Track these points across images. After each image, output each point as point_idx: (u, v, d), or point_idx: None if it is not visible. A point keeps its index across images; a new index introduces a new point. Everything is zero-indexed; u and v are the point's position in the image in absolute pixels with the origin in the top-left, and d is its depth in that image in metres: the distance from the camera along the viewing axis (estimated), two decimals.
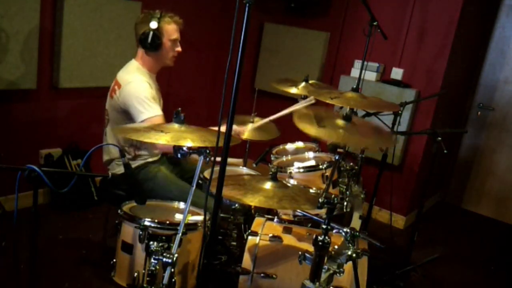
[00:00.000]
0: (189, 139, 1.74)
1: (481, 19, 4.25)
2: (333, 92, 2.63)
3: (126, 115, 2.42)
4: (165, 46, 2.50)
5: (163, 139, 1.74)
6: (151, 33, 2.42)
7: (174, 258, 1.68)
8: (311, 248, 1.62)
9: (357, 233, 1.75)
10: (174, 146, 1.75)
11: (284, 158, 2.70)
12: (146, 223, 1.92)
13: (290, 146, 3.00)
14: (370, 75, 3.80)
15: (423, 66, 3.74)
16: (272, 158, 2.76)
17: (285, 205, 1.86)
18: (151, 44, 2.44)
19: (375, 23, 3.09)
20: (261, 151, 2.90)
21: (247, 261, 2.08)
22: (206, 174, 2.60)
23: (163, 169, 2.61)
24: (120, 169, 2.51)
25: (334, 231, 1.82)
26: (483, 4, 4.13)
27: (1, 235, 2.62)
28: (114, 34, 3.40)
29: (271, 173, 1.98)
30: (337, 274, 1.67)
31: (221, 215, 2.42)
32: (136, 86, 2.40)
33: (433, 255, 3.44)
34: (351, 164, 2.80)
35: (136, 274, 1.92)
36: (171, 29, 2.50)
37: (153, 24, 2.41)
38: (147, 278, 1.73)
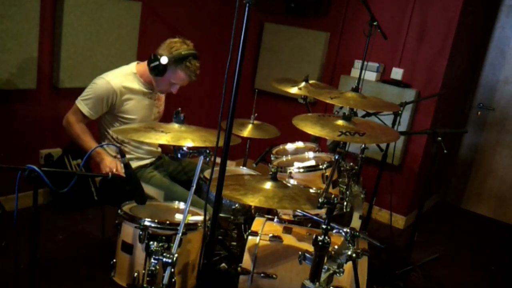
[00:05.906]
0: (189, 139, 1.74)
1: (481, 19, 4.25)
2: (333, 92, 2.64)
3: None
4: (162, 80, 2.45)
5: (163, 139, 1.74)
6: (158, 63, 2.35)
7: (174, 258, 1.68)
8: (311, 248, 1.62)
9: (357, 233, 1.75)
10: (174, 147, 1.75)
11: (284, 158, 2.70)
12: (146, 223, 1.91)
13: (290, 146, 2.99)
14: (370, 75, 3.80)
15: (423, 66, 3.74)
16: (272, 158, 2.76)
17: (285, 205, 1.86)
18: (152, 69, 2.40)
19: (375, 23, 3.09)
20: (261, 151, 2.90)
21: (247, 261, 2.08)
22: (206, 174, 2.60)
23: (157, 174, 2.60)
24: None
25: (334, 231, 1.82)
26: (483, 4, 4.13)
27: (1, 235, 2.62)
28: (114, 34, 3.40)
29: (271, 173, 1.98)
30: (337, 274, 1.67)
31: (221, 215, 2.41)
32: (100, 81, 2.43)
33: (433, 255, 3.44)
34: (351, 164, 2.81)
35: (136, 274, 1.91)
36: (180, 77, 2.42)
37: (164, 60, 2.34)
38: (147, 278, 1.73)
